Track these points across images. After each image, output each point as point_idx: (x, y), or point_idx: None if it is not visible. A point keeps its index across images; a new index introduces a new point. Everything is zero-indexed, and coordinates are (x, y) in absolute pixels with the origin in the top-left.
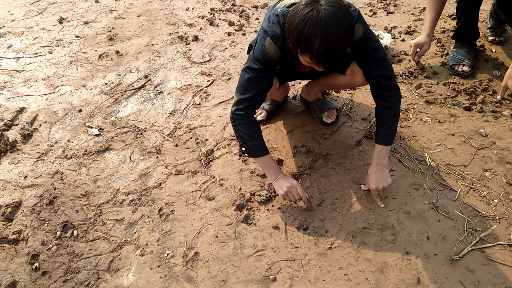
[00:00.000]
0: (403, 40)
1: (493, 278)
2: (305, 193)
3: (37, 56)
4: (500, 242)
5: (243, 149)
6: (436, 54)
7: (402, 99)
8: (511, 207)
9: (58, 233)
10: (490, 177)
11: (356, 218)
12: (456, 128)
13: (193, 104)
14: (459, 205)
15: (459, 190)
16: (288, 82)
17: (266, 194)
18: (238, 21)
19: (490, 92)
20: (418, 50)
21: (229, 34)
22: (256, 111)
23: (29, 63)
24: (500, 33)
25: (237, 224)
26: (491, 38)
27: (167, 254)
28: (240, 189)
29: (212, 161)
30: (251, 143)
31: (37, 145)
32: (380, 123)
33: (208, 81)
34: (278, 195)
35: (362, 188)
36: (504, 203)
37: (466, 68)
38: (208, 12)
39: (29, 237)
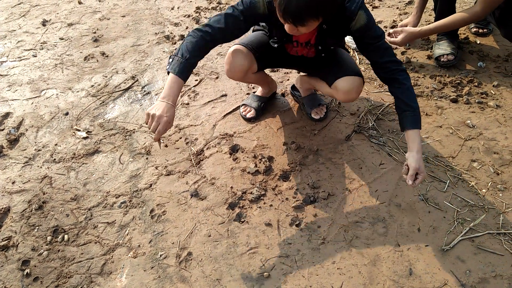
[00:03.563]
0: (389, 35)
1: (484, 266)
2: (162, 136)
3: (21, 60)
4: (490, 231)
5: (170, 60)
6: (421, 47)
7: (389, 93)
8: (499, 196)
9: (49, 238)
10: (478, 168)
11: (348, 213)
12: (444, 120)
13: (181, 104)
14: (448, 196)
15: (448, 181)
16: (275, 81)
17: (258, 192)
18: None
19: (476, 84)
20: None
21: None
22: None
23: (13, 67)
24: (484, 24)
25: (229, 222)
26: (475, 29)
27: (160, 255)
28: (231, 187)
29: (202, 160)
30: (180, 58)
31: (24, 149)
32: (407, 106)
33: (196, 80)
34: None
35: (403, 173)
36: (492, 192)
37: (450, 57)
38: (194, 11)
39: (19, 243)
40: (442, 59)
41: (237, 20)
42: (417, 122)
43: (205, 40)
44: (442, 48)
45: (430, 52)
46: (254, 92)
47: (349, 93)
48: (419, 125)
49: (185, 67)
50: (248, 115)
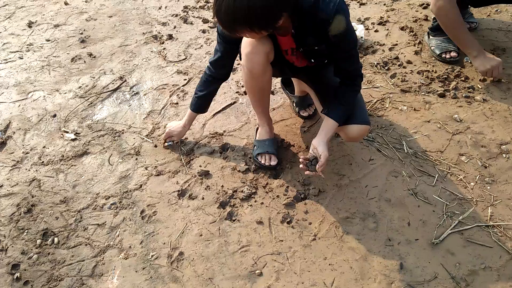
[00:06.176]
0: (376, 31)
1: (473, 259)
2: (168, 141)
3: (7, 62)
4: (478, 223)
5: None
6: (409, 43)
7: (377, 89)
8: (487, 189)
9: (38, 241)
10: (466, 161)
11: (338, 209)
12: (432, 115)
13: (170, 103)
14: (437, 190)
15: (437, 175)
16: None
17: (248, 190)
18: (213, 18)
19: (463, 78)
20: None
21: (203, 31)
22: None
23: None
24: (468, 19)
25: (220, 221)
26: (467, 26)
27: (152, 256)
28: (222, 186)
29: (192, 159)
30: (194, 95)
31: (12, 153)
32: (345, 101)
33: (185, 79)
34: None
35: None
36: (480, 185)
37: (454, 54)
38: (182, 10)
39: (8, 247)
40: (445, 56)
41: (216, 49)
42: (343, 118)
43: (206, 75)
44: (444, 45)
45: (418, 47)
46: (258, 139)
47: (355, 139)
48: (344, 122)
49: (193, 101)
50: (272, 163)
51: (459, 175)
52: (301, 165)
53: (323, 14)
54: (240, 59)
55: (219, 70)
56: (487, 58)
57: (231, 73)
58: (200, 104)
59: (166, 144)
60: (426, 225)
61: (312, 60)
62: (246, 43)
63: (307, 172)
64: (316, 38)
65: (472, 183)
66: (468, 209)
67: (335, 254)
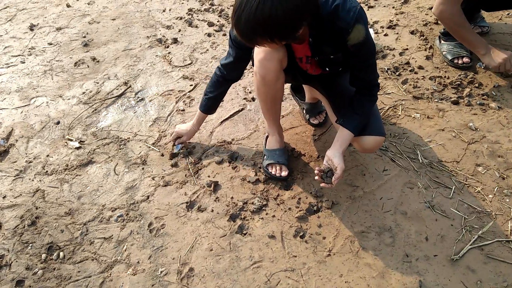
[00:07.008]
0: (386, 35)
1: (495, 276)
2: (176, 143)
3: (8, 67)
4: (498, 238)
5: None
6: (419, 48)
7: (389, 96)
8: (506, 202)
9: (43, 255)
10: (483, 172)
11: (353, 222)
12: (446, 123)
13: (177, 110)
14: (454, 202)
15: (453, 187)
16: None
17: (259, 202)
18: (218, 21)
19: (476, 85)
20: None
21: (209, 35)
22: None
23: (0, 75)
24: (480, 23)
25: (231, 235)
26: (479, 30)
27: (161, 272)
28: (232, 197)
29: (200, 169)
30: (203, 95)
31: (15, 162)
32: (361, 111)
33: (191, 85)
34: None
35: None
36: (499, 198)
37: (466, 60)
38: (186, 13)
39: (12, 262)
40: (457, 62)
41: (228, 52)
42: (359, 128)
43: (216, 76)
44: (456, 50)
45: (429, 52)
46: (268, 148)
47: (370, 150)
48: (357, 132)
49: (203, 102)
50: (283, 174)
51: (476, 186)
52: (316, 177)
53: (342, 22)
54: (253, 65)
55: (231, 72)
56: (496, 53)
57: None
58: (210, 105)
59: (175, 148)
60: (444, 240)
61: (327, 69)
62: (260, 49)
63: (322, 185)
64: (333, 46)
65: (490, 195)
66: (487, 223)
67: (351, 270)
